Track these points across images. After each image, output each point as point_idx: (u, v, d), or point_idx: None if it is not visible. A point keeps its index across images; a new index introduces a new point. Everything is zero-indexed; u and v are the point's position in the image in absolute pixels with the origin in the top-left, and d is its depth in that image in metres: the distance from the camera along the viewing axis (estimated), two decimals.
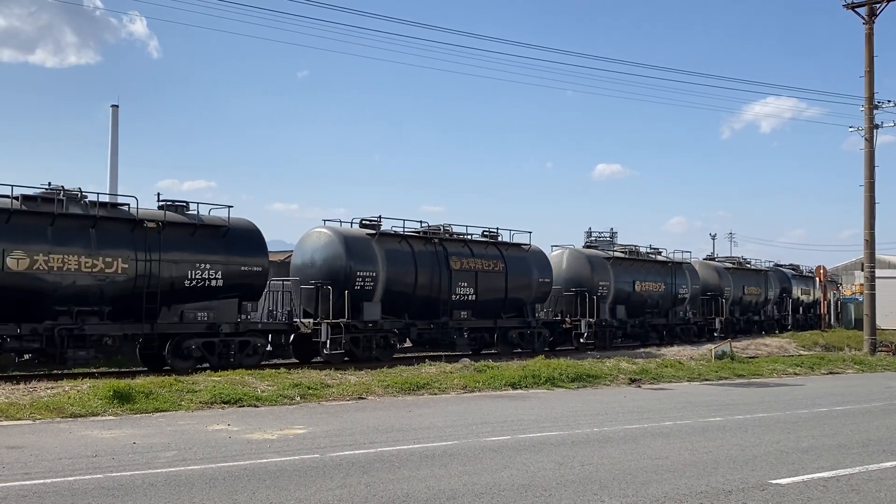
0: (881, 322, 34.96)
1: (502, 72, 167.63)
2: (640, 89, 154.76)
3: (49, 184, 17.95)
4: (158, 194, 19.66)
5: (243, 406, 13.79)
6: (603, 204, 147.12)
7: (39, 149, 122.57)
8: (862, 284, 35.80)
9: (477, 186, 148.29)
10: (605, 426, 12.33)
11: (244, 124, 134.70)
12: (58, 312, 17.35)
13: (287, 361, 21.08)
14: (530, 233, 27.26)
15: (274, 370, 17.14)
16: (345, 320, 21.32)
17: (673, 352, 27.68)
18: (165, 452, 9.62)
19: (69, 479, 8.13)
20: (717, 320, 36.04)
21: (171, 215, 19.13)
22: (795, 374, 23.20)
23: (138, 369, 19.37)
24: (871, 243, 31.14)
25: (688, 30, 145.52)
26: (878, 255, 34.06)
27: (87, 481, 8.03)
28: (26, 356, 18.25)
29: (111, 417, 12.44)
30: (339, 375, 16.88)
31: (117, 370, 19.11)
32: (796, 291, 44.85)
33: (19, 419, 11.98)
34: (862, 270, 33.98)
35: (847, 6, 30.62)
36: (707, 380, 20.62)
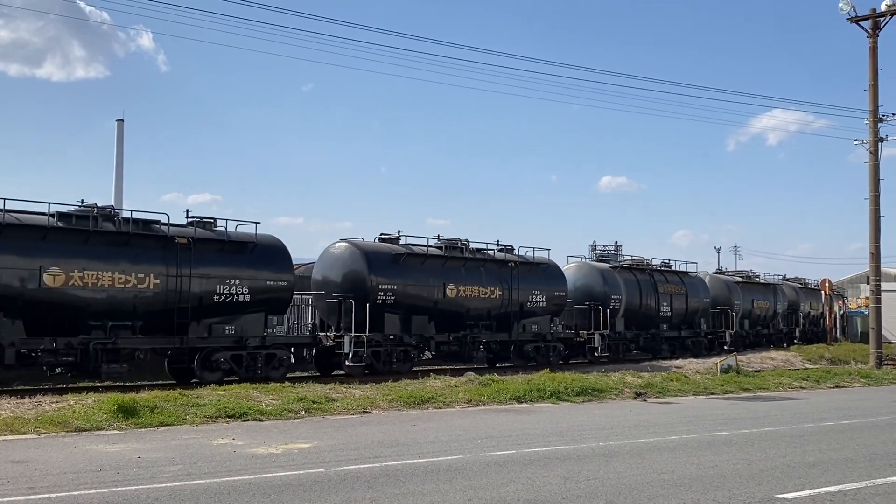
0: (887, 335, 34.97)
1: (507, 85, 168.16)
2: (645, 102, 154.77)
3: (399, 231, 23.91)
4: (498, 242, 26.52)
5: (248, 420, 13.77)
6: (608, 217, 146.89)
7: (44, 162, 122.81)
8: (868, 298, 35.74)
9: (482, 199, 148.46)
10: (610, 440, 12.30)
11: (249, 138, 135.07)
12: (468, 325, 24.62)
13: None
14: (696, 263, 34.71)
15: (279, 384, 17.14)
16: (607, 332, 28.97)
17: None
18: (170, 467, 9.62)
19: (74, 493, 8.13)
20: (797, 330, 43.09)
21: (510, 255, 26.49)
22: (801, 387, 23.12)
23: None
24: (876, 256, 31.12)
25: (693, 43, 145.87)
26: (883, 269, 34.00)
27: (91, 496, 8.03)
28: (428, 355, 24.99)
29: (116, 432, 12.44)
30: (344, 389, 16.86)
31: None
32: (837, 307, 49.19)
33: (24, 433, 11.99)
34: (868, 283, 33.92)
35: (852, 20, 30.74)
36: (713, 394, 20.56)
